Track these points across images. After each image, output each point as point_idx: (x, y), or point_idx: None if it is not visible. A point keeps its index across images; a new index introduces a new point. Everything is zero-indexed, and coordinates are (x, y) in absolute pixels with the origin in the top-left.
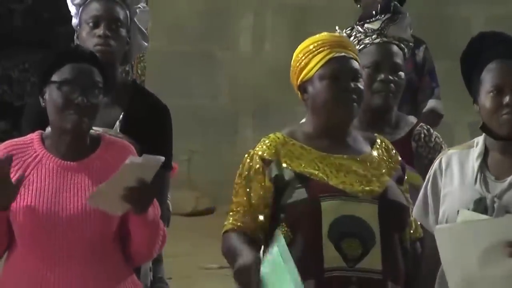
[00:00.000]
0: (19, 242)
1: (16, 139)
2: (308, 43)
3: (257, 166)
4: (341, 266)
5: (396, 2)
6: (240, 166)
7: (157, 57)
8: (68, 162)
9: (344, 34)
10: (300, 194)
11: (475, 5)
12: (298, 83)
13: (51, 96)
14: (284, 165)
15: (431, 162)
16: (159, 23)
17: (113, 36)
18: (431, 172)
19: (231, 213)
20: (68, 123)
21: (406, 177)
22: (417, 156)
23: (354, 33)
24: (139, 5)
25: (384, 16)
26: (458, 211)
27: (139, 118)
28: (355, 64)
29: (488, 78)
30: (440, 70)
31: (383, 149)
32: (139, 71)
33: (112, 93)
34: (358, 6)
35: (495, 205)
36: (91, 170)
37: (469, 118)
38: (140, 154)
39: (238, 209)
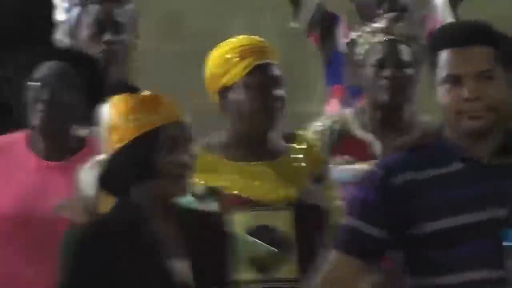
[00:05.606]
0: None
1: (0, 136)
2: (228, 48)
3: None
4: (255, 278)
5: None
6: None
7: (154, 56)
8: (50, 162)
9: (355, 37)
10: (212, 208)
11: (475, 5)
12: (218, 88)
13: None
14: (197, 180)
15: None
16: (155, 21)
17: (118, 41)
18: None
19: None
20: (37, 121)
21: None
22: None
23: (363, 34)
24: (130, 5)
25: (390, 15)
26: None
27: None
28: (278, 71)
29: None
30: None
31: (303, 147)
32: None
33: (109, 94)
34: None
35: None
36: (73, 171)
37: None
38: None
39: None
